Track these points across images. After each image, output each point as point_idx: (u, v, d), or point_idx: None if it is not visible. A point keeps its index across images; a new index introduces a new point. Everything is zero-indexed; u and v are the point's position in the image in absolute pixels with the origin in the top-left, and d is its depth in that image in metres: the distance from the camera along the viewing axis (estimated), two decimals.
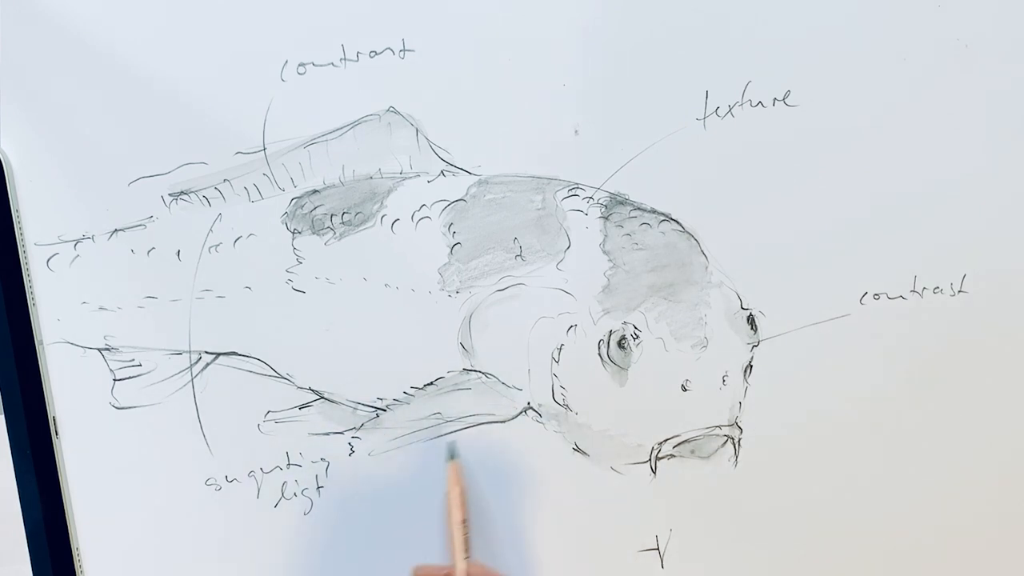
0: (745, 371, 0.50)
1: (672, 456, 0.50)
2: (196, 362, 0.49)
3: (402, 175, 0.49)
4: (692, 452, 0.50)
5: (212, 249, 0.49)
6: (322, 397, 0.49)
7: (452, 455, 0.49)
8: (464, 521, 0.47)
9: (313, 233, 0.49)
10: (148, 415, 0.49)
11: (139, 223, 0.48)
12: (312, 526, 0.50)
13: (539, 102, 0.49)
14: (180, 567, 0.49)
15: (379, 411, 0.50)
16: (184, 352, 0.49)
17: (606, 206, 0.49)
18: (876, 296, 0.50)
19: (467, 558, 0.47)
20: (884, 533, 0.51)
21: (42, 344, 0.48)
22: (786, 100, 0.49)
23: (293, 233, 0.49)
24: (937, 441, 0.51)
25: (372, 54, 0.48)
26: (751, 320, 0.50)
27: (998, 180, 0.50)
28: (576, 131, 0.49)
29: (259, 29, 0.48)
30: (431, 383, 0.50)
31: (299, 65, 0.48)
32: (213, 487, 0.49)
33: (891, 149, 0.49)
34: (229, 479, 0.49)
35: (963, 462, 0.51)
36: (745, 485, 0.51)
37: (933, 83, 0.49)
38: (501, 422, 0.50)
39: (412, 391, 0.50)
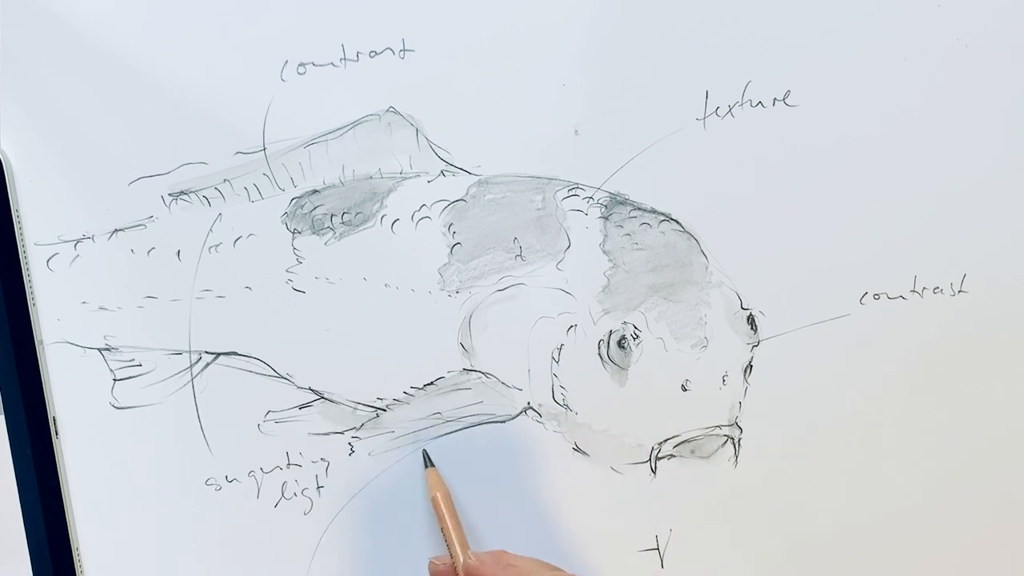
0: (745, 371, 0.50)
1: (672, 456, 0.50)
2: (196, 362, 0.49)
3: (402, 175, 0.49)
4: (692, 452, 0.50)
5: (212, 249, 0.49)
6: (322, 397, 0.49)
7: (428, 462, 0.49)
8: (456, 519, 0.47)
9: (313, 233, 0.49)
10: (148, 415, 0.49)
11: (139, 223, 0.48)
12: (312, 526, 0.50)
13: (539, 102, 0.49)
14: (180, 567, 0.49)
15: (379, 411, 0.50)
16: (184, 352, 0.49)
17: (606, 206, 0.50)
18: (876, 296, 0.50)
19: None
20: (884, 533, 0.51)
21: (42, 344, 0.48)
22: (786, 100, 0.49)
23: (293, 233, 0.49)
24: (937, 441, 0.51)
25: (372, 54, 0.48)
26: (751, 320, 0.50)
27: (998, 180, 0.50)
28: (576, 131, 0.49)
29: (259, 29, 0.48)
30: (431, 383, 0.50)
31: (299, 65, 0.48)
32: (213, 487, 0.49)
33: (891, 149, 0.49)
34: (229, 479, 0.49)
35: (963, 462, 0.51)
36: (745, 485, 0.51)
37: (933, 83, 0.49)
38: (501, 422, 0.50)
39: (412, 391, 0.50)
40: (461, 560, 0.46)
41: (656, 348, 0.50)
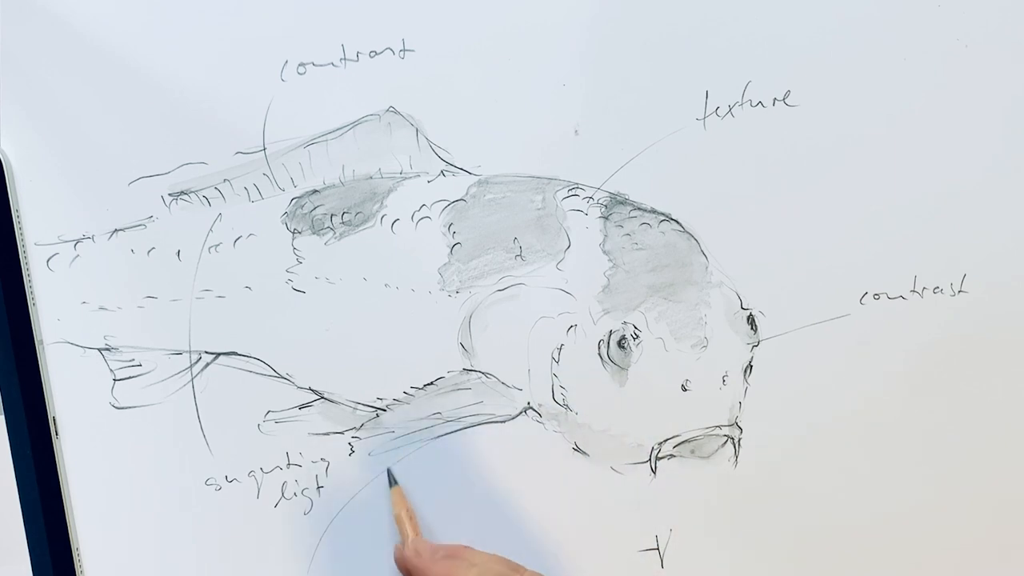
0: (745, 371, 0.50)
1: (672, 456, 0.50)
2: (196, 362, 0.49)
3: (402, 175, 0.49)
4: (692, 452, 0.50)
5: (212, 249, 0.49)
6: (322, 397, 0.49)
7: (392, 481, 0.49)
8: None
9: (313, 233, 0.49)
10: (148, 415, 0.49)
11: (139, 223, 0.48)
12: (312, 526, 0.50)
13: (539, 102, 0.49)
14: (180, 567, 0.49)
15: (379, 411, 0.50)
16: (184, 352, 0.49)
17: (606, 206, 0.50)
18: (876, 296, 0.50)
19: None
20: (884, 533, 0.51)
21: (42, 344, 0.48)
22: (786, 100, 0.49)
23: (293, 233, 0.49)
24: (937, 441, 0.51)
25: (372, 54, 0.48)
26: (751, 320, 0.50)
27: (998, 180, 0.50)
28: (576, 131, 0.49)
29: (259, 29, 0.48)
30: (431, 383, 0.50)
31: (299, 65, 0.48)
32: (213, 487, 0.49)
33: (891, 149, 0.49)
34: (229, 479, 0.49)
35: (963, 462, 0.51)
36: (745, 485, 0.51)
37: (933, 83, 0.49)
38: (501, 422, 0.50)
39: (412, 391, 0.50)
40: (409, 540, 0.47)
41: (656, 348, 0.50)
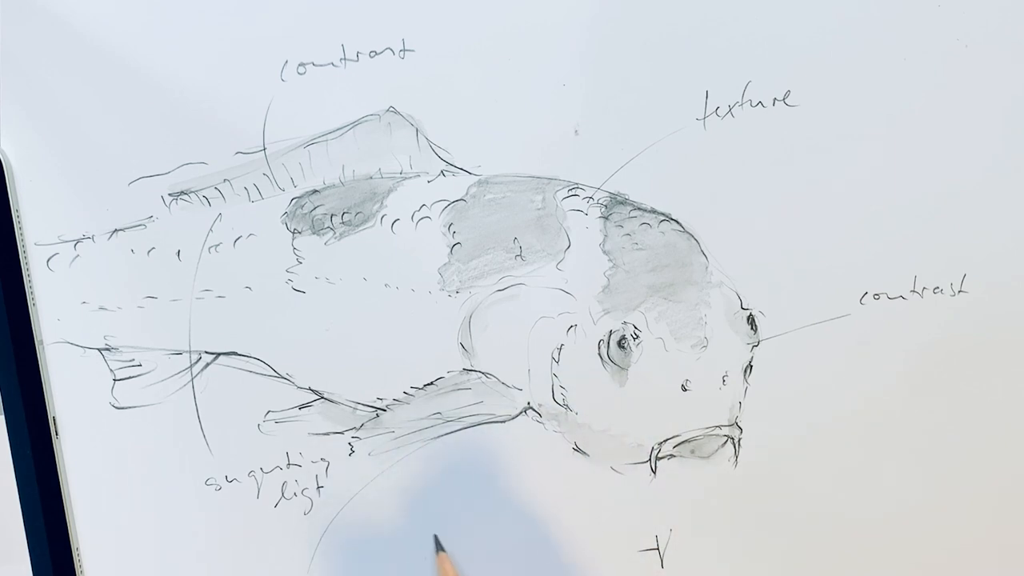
0: (745, 371, 0.50)
1: (672, 456, 0.50)
2: (196, 362, 0.49)
3: (402, 175, 0.49)
4: (692, 452, 0.50)
5: (212, 249, 0.49)
6: (322, 397, 0.49)
7: (439, 547, 0.49)
8: None
9: (313, 233, 0.49)
10: (148, 415, 0.49)
11: (139, 223, 0.48)
12: (312, 526, 0.50)
13: (539, 102, 0.49)
14: (180, 567, 0.50)
15: (379, 411, 0.50)
16: (184, 352, 0.49)
17: (606, 206, 0.50)
18: (876, 296, 0.50)
19: None
20: (884, 533, 0.51)
21: (42, 344, 0.48)
22: (786, 100, 0.49)
23: (293, 233, 0.49)
24: (937, 441, 0.51)
25: (372, 54, 0.48)
26: (751, 320, 0.50)
27: (998, 180, 0.50)
28: (576, 131, 0.49)
29: (259, 29, 0.48)
30: (431, 383, 0.50)
31: (299, 65, 0.48)
32: (213, 487, 0.49)
33: (891, 149, 0.49)
34: (229, 479, 0.49)
35: (963, 462, 0.51)
36: (745, 485, 0.51)
37: (933, 83, 0.49)
38: (501, 422, 0.50)
39: (412, 391, 0.50)
40: None
41: (656, 348, 0.50)
